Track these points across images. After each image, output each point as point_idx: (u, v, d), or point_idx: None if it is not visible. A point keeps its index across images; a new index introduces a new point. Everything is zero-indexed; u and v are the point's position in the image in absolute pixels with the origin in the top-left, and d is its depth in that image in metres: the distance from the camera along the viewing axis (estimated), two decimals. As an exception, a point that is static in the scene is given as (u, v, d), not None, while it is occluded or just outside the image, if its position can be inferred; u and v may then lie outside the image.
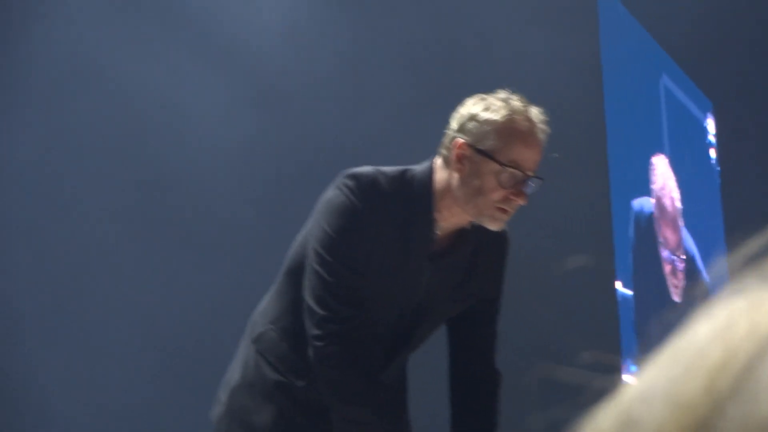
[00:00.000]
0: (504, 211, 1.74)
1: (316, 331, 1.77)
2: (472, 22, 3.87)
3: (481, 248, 1.86)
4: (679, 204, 4.53)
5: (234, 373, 1.94)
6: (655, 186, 4.40)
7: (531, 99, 1.81)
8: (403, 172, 1.81)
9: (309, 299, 1.79)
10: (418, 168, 1.83)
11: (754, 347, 0.26)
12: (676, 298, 4.52)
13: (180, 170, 3.38)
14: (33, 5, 3.38)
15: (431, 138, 1.89)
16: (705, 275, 4.65)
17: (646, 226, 4.30)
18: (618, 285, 3.82)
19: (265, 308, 1.95)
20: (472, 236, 1.85)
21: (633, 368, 3.57)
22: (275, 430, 1.86)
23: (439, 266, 1.82)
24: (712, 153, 4.94)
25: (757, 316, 0.27)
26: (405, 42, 3.71)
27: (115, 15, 3.43)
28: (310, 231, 1.82)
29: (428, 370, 2.15)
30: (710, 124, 4.88)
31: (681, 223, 4.63)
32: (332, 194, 1.79)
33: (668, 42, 4.39)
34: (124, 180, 3.33)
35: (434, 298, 1.85)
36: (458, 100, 1.84)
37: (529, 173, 1.72)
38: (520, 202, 1.73)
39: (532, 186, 1.73)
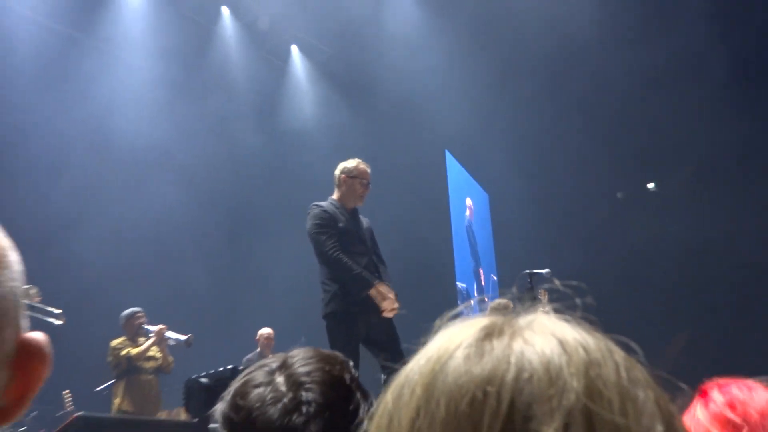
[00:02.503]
0: (363, 197, 4.77)
1: (328, 252, 4.46)
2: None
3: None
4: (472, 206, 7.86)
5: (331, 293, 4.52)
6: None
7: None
8: (327, 199, 4.78)
9: (319, 250, 4.51)
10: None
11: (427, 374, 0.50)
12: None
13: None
14: None
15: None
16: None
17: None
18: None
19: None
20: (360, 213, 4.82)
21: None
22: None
23: (356, 221, 4.74)
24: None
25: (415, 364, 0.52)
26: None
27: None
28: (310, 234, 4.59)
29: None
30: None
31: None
32: (310, 216, 4.61)
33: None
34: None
35: (367, 237, 4.72)
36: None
37: (369, 180, 4.77)
38: (367, 191, 4.76)
39: (370, 187, 4.78)
